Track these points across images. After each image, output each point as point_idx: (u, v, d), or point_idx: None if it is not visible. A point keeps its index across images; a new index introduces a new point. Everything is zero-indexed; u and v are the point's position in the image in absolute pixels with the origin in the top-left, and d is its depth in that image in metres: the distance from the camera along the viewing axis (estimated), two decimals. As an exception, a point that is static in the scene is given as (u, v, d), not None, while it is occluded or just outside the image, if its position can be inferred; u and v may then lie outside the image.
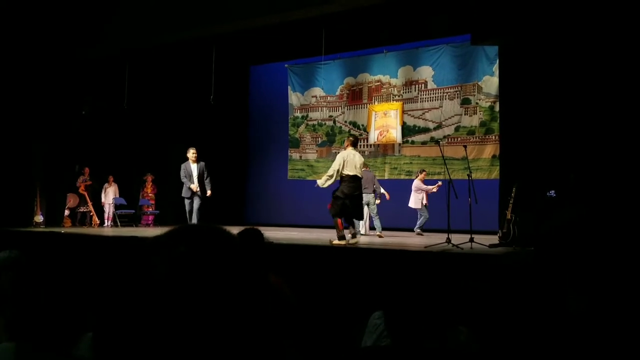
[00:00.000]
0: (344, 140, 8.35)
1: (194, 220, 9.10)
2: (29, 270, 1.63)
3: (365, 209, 10.07)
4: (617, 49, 6.54)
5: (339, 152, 12.40)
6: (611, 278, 0.96)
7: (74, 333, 1.47)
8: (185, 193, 9.26)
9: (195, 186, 9.17)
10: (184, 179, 9.21)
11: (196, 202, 9.23)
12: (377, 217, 9.96)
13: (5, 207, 9.89)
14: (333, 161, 7.92)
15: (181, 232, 0.79)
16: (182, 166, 9.31)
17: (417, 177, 10.39)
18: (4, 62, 9.87)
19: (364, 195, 9.64)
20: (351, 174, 7.34)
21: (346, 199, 7.25)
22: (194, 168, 9.25)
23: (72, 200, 11.57)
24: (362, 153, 12.41)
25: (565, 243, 1.00)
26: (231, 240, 0.81)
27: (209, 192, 9.32)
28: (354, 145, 7.69)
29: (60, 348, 1.46)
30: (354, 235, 7.33)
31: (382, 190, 10.38)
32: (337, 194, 7.32)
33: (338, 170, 7.39)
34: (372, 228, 10.16)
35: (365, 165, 10.03)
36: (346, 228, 7.48)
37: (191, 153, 9.32)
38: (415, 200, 10.23)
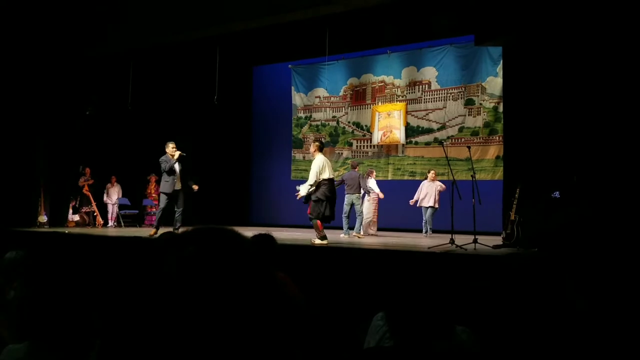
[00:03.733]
0: (311, 146, 8.23)
1: (177, 224, 8.41)
2: (35, 270, 1.63)
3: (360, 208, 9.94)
4: (623, 50, 6.51)
5: (341, 153, 12.63)
6: (613, 277, 0.96)
7: (86, 336, 1.47)
8: (168, 189, 8.43)
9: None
10: (167, 174, 8.41)
11: (180, 202, 8.52)
12: (359, 217, 9.87)
13: (10, 208, 9.93)
14: (330, 162, 8.13)
15: (193, 233, 0.80)
16: (163, 159, 8.48)
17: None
18: (9, 62, 9.91)
19: (347, 195, 9.75)
20: (330, 177, 7.69)
21: (327, 202, 7.55)
22: (176, 163, 8.49)
23: (75, 201, 11.61)
24: (365, 154, 12.48)
25: (566, 243, 1.00)
26: (241, 243, 0.82)
27: (195, 187, 8.70)
28: (321, 150, 7.94)
29: (74, 351, 1.46)
30: (324, 237, 7.54)
31: (377, 190, 10.10)
32: (318, 197, 7.59)
33: (317, 175, 7.65)
34: (350, 228, 9.84)
35: (353, 167, 10.13)
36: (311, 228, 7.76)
37: (171, 147, 8.52)
38: None
